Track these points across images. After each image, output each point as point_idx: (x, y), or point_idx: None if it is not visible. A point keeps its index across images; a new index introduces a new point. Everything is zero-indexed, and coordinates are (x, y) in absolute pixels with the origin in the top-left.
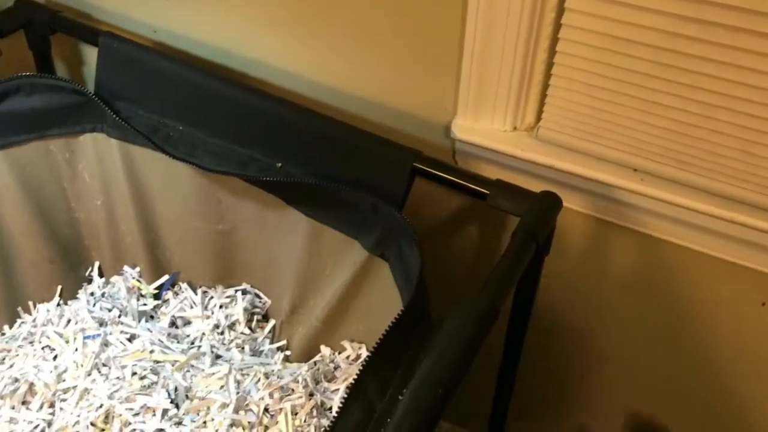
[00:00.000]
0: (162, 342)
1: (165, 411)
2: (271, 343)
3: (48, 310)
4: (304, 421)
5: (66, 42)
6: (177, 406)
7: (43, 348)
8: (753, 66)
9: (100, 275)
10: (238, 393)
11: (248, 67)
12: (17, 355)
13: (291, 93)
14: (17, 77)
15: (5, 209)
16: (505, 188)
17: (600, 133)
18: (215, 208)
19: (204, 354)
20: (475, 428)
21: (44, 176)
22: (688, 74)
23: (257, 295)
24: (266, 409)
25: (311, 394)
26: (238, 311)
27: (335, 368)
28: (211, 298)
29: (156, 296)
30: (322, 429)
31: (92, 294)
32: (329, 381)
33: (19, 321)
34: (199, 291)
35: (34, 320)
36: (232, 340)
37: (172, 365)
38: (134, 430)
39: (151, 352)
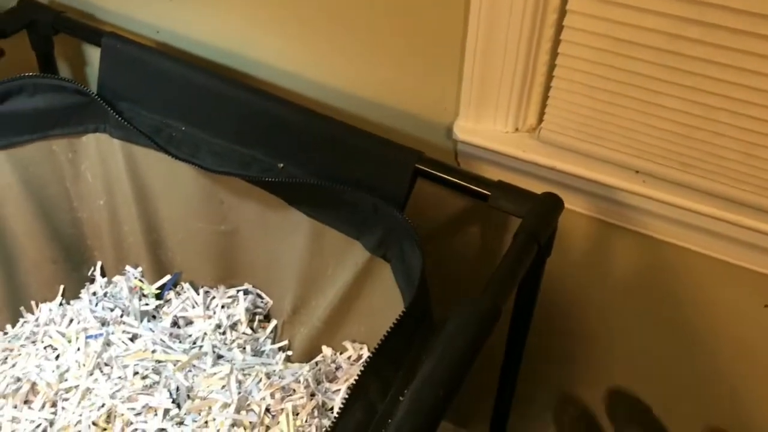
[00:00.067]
0: (164, 342)
1: (167, 411)
2: (273, 343)
3: (50, 310)
4: (306, 421)
5: (69, 42)
6: (178, 406)
7: (45, 347)
8: (755, 68)
9: (103, 275)
10: (239, 393)
11: (250, 67)
12: (20, 355)
13: (293, 93)
14: (20, 77)
15: (8, 209)
16: (507, 189)
17: (602, 135)
18: (217, 209)
19: (206, 354)
20: (477, 429)
21: (47, 176)
22: (691, 76)
23: (259, 296)
24: (267, 409)
25: (312, 395)
26: (239, 311)
27: (337, 369)
28: (213, 298)
29: (158, 296)
30: (324, 429)
31: (94, 294)
32: (330, 381)
33: (21, 320)
34: (201, 291)
35: (36, 320)
36: (233, 340)
37: (174, 365)
38: (136, 429)
39: (153, 351)
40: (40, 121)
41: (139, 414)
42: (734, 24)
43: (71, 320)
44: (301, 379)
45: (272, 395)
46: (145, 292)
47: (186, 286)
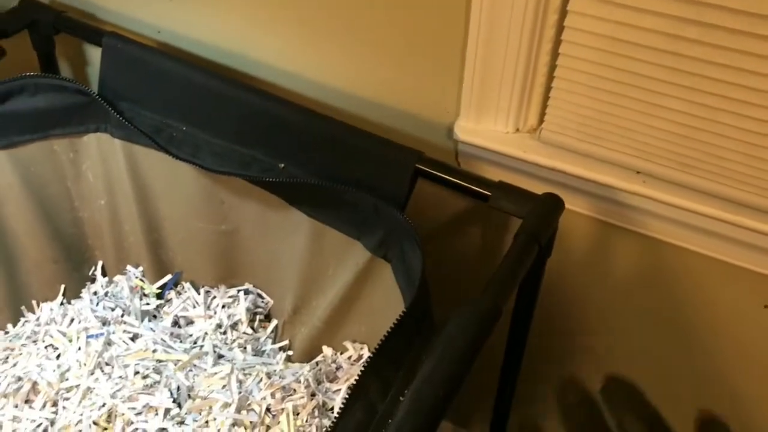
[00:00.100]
0: (164, 341)
1: (167, 410)
2: (273, 343)
3: (51, 309)
4: (306, 421)
5: (70, 42)
6: (179, 406)
7: (46, 347)
8: (755, 69)
9: (104, 275)
10: (240, 393)
11: (251, 67)
12: (21, 354)
13: (294, 93)
14: (21, 77)
15: (9, 209)
16: (508, 190)
17: (602, 135)
18: (218, 209)
19: (206, 354)
20: (477, 429)
21: (48, 176)
22: (691, 77)
23: (260, 295)
24: (268, 409)
25: (313, 395)
26: (240, 311)
27: (337, 368)
28: (214, 297)
29: (159, 296)
30: (324, 429)
31: (95, 293)
32: (331, 381)
33: (22, 320)
34: (202, 291)
35: (37, 319)
36: (234, 340)
37: (175, 365)
38: (137, 429)
39: (154, 351)
40: (41, 120)
41: (139, 413)
42: (733, 24)
43: (72, 320)
44: (302, 378)
45: (273, 395)
46: (146, 292)
47: (187, 285)
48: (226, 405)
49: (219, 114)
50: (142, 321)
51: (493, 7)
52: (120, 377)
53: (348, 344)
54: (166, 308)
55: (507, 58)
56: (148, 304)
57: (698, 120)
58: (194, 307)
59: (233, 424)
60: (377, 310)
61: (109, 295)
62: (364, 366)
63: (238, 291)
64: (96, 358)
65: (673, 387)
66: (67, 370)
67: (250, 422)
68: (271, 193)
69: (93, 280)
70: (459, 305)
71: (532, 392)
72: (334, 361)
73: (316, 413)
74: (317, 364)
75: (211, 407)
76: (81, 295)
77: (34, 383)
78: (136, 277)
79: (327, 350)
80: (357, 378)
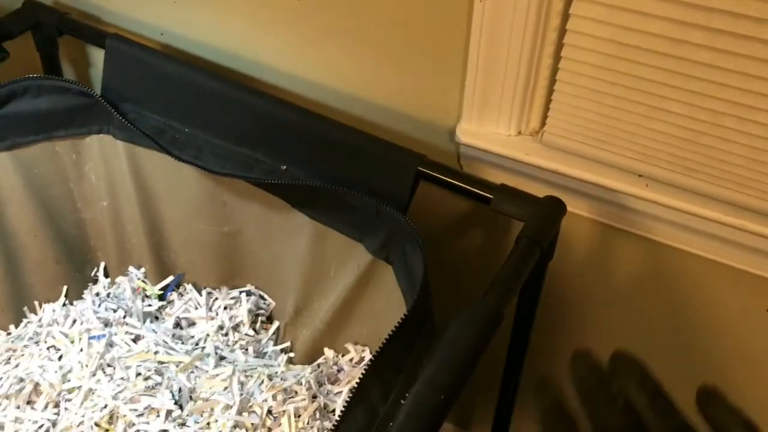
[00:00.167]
0: (166, 343)
1: (169, 412)
2: (275, 344)
3: (54, 311)
4: (307, 423)
5: (73, 44)
6: (181, 407)
7: (48, 348)
8: (760, 74)
9: (106, 276)
10: (241, 395)
11: (254, 69)
12: (23, 355)
13: (297, 96)
14: (24, 79)
15: (12, 209)
16: (510, 193)
17: (605, 139)
18: (220, 210)
19: (208, 355)
20: (479, 430)
21: (51, 177)
22: (696, 81)
23: (261, 297)
24: (269, 411)
25: (314, 397)
26: (242, 313)
27: (338, 371)
28: (216, 299)
29: (161, 297)
30: (325, 431)
31: (97, 294)
32: (332, 383)
33: (24, 321)
34: (204, 292)
35: (39, 320)
36: (236, 342)
37: (177, 366)
38: (138, 430)
39: (156, 353)
40: (44, 122)
41: (141, 415)
42: (739, 29)
43: (74, 321)
44: (303, 380)
45: (274, 397)
46: (148, 293)
47: (189, 287)
48: (228, 407)
49: (221, 116)
50: (144, 322)
51: (495, 9)
52: (122, 378)
53: (349, 346)
54: (168, 310)
55: (509, 60)
56: (150, 305)
57: (702, 124)
58: (196, 308)
59: (234, 426)
60: (379, 312)
61: (111, 296)
62: (365, 369)
63: (240, 293)
64: (98, 360)
65: (674, 389)
66: (69, 371)
67: (252, 424)
68: (274, 195)
69: (95, 282)
70: (460, 308)
71: (534, 394)
72: (335, 363)
73: (318, 415)
74: (319, 366)
75: (212, 409)
76: (83, 296)
77: (36, 384)
78: (138, 279)
79: (328, 352)
80: (358, 381)
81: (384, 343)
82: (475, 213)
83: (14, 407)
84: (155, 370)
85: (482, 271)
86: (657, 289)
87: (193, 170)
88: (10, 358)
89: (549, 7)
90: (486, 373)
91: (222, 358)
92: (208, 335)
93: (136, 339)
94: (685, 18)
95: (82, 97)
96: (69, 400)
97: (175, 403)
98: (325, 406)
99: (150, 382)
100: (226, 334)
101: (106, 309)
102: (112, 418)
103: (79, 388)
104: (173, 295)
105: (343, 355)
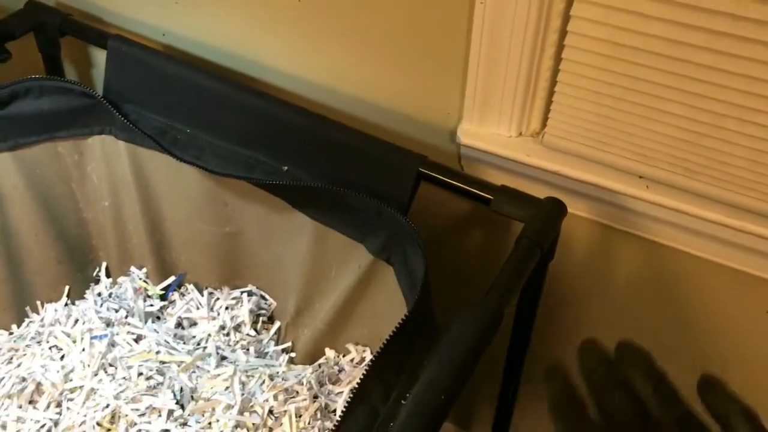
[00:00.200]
0: (168, 343)
1: (170, 412)
2: (276, 345)
3: (56, 310)
4: (308, 423)
5: (75, 45)
6: (182, 407)
7: (50, 348)
8: (762, 76)
9: (108, 276)
10: (242, 394)
11: (256, 70)
12: (25, 355)
13: (298, 97)
14: (27, 79)
15: (14, 210)
16: (510, 194)
17: (606, 140)
18: (222, 211)
19: (209, 355)
20: (479, 431)
21: (53, 177)
22: (697, 83)
23: (263, 297)
24: (271, 411)
25: (315, 397)
26: (243, 313)
27: (339, 371)
28: (217, 299)
29: (162, 297)
30: (326, 431)
31: (99, 294)
32: (333, 384)
33: (27, 320)
34: (205, 292)
35: (41, 320)
36: (237, 342)
37: (178, 366)
38: (140, 430)
39: (157, 352)
40: (46, 122)
41: (143, 415)
42: (740, 32)
43: (76, 321)
44: (304, 381)
45: (275, 397)
46: (150, 293)
47: (190, 287)
48: (229, 407)
49: (223, 116)
50: (146, 322)
51: (496, 10)
52: (123, 378)
53: (350, 346)
54: (169, 310)
55: (510, 61)
56: (151, 305)
57: (703, 126)
58: (197, 308)
59: (236, 426)
60: (380, 312)
61: (113, 296)
62: (366, 369)
63: (242, 293)
64: (100, 359)
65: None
66: (71, 371)
67: (253, 424)
68: (275, 195)
69: (97, 281)
70: (461, 308)
71: (534, 394)
72: (336, 364)
73: (319, 415)
74: (320, 366)
75: (213, 409)
76: (85, 296)
77: (38, 384)
78: (140, 279)
79: (329, 352)
80: (359, 381)
81: (385, 344)
82: (476, 214)
83: (16, 407)
84: (157, 370)
85: (483, 271)
86: (657, 290)
87: (194, 171)
88: (12, 358)
89: (550, 8)
90: (486, 373)
91: (223, 358)
92: (209, 335)
93: (138, 339)
94: (686, 20)
95: (84, 98)
96: (71, 399)
97: (177, 403)
98: (326, 406)
99: (152, 382)
100: (228, 334)
101: (107, 309)
102: (113, 417)
103: (81, 387)
104: (175, 295)
105: (344, 356)
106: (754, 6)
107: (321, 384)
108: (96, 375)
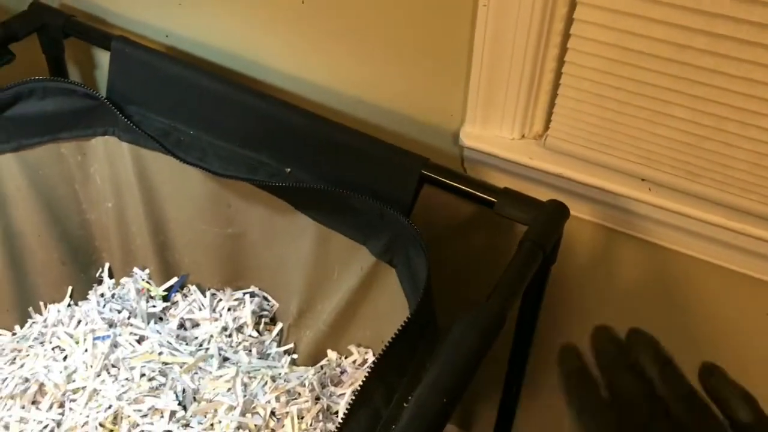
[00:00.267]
0: (170, 344)
1: (173, 413)
2: (279, 346)
3: (59, 311)
4: (310, 425)
5: (79, 46)
6: (184, 408)
7: (53, 348)
8: (764, 79)
9: (110, 277)
10: (245, 396)
11: (258, 71)
12: (28, 355)
13: (301, 98)
14: (30, 81)
15: (18, 211)
16: (513, 196)
17: (608, 143)
18: (225, 212)
19: (212, 356)
20: None
21: (56, 178)
22: (699, 86)
23: (265, 298)
24: (273, 413)
25: (318, 398)
26: (246, 314)
27: (342, 372)
28: (220, 300)
29: (165, 298)
30: None
31: (102, 295)
32: (335, 385)
33: (30, 321)
34: (208, 293)
35: (44, 321)
36: (239, 343)
37: (180, 367)
38: (142, 431)
39: (160, 353)
40: (50, 124)
41: (145, 416)
42: (743, 35)
43: (79, 321)
44: (307, 382)
45: (277, 398)
46: (153, 294)
47: (193, 288)
48: (231, 408)
49: (226, 118)
50: (149, 323)
51: (499, 12)
52: (126, 379)
53: (353, 348)
54: (172, 311)
55: (513, 64)
56: (154, 306)
57: (705, 129)
58: (200, 309)
59: (238, 427)
60: (382, 314)
61: (115, 297)
62: (368, 371)
63: (244, 294)
64: (102, 360)
65: None
66: (74, 371)
67: (255, 425)
68: (278, 197)
69: (100, 282)
70: (463, 311)
71: (536, 396)
72: (338, 365)
73: (321, 417)
74: (322, 367)
75: (216, 410)
76: (88, 296)
77: (41, 384)
78: (143, 280)
79: (332, 354)
80: (361, 383)
81: (387, 346)
82: (479, 216)
83: (19, 407)
84: (159, 371)
85: (485, 274)
86: (659, 293)
87: (197, 172)
88: (15, 359)
89: (553, 11)
90: (488, 375)
91: (226, 359)
92: (211, 336)
93: (141, 340)
94: (689, 23)
95: (88, 99)
96: (73, 400)
97: (179, 404)
98: (328, 407)
99: (154, 383)
100: (230, 336)
101: (110, 310)
102: (116, 418)
103: (83, 388)
104: (177, 296)
105: (346, 357)
106: (756, 9)
107: (323, 385)
108: (99, 376)
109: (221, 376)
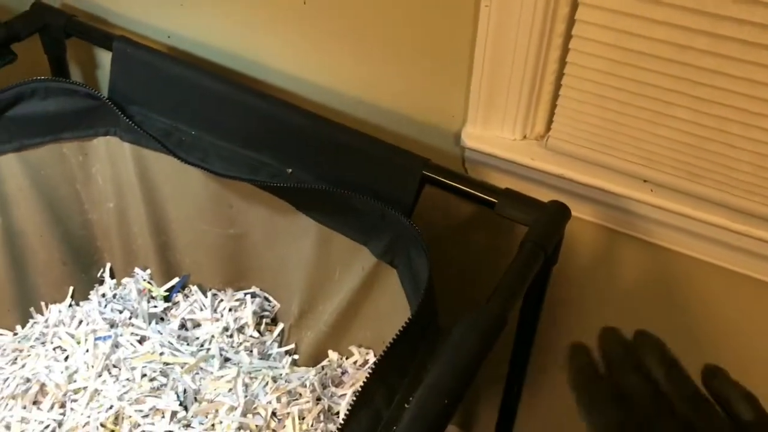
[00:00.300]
0: (171, 344)
1: (174, 413)
2: (280, 346)
3: (60, 311)
4: (311, 425)
5: (81, 46)
6: (186, 409)
7: (54, 348)
8: (766, 80)
9: (112, 277)
10: (246, 396)
11: (260, 72)
12: (29, 356)
13: (303, 98)
14: (32, 81)
15: (19, 211)
16: (514, 197)
17: (610, 144)
18: (226, 212)
19: (213, 357)
20: None
21: (58, 178)
22: (701, 87)
23: (266, 299)
24: (274, 413)
25: (318, 399)
26: (247, 314)
27: (343, 373)
28: (221, 301)
29: (166, 298)
30: None
31: (103, 295)
32: (336, 386)
33: (31, 321)
34: (209, 294)
35: (46, 321)
36: (240, 343)
37: (182, 367)
38: (143, 431)
39: (161, 354)
40: (52, 124)
41: (146, 416)
42: (744, 36)
43: (80, 322)
44: (308, 383)
45: (278, 399)
46: (154, 295)
47: (194, 288)
48: (232, 408)
49: (228, 118)
50: (150, 323)
51: (501, 13)
52: (127, 379)
53: (354, 349)
54: (173, 311)
55: (514, 64)
56: (155, 306)
57: (707, 130)
58: (201, 310)
59: (239, 428)
60: (383, 315)
61: (117, 297)
62: (369, 372)
63: (245, 294)
64: (103, 360)
65: None
66: (75, 371)
67: (256, 426)
68: (279, 197)
69: (101, 282)
70: (464, 311)
71: (537, 397)
72: (339, 366)
73: (322, 418)
74: (323, 368)
75: (217, 410)
76: (89, 297)
77: (42, 385)
78: (144, 280)
79: (333, 355)
80: (362, 384)
81: (388, 347)
82: (480, 217)
83: (20, 407)
84: (160, 371)
85: (486, 274)
86: (661, 294)
87: (199, 172)
88: (16, 359)
89: (555, 12)
90: (489, 376)
91: (227, 359)
92: (213, 337)
93: (142, 340)
94: (691, 24)
95: (90, 99)
96: (75, 400)
97: (180, 405)
98: (329, 408)
99: (155, 383)
100: (231, 336)
101: (111, 310)
102: (117, 418)
103: (84, 388)
104: (179, 297)
105: (347, 358)
106: (758, 10)
107: (324, 386)
108: (100, 376)
109: (222, 377)
